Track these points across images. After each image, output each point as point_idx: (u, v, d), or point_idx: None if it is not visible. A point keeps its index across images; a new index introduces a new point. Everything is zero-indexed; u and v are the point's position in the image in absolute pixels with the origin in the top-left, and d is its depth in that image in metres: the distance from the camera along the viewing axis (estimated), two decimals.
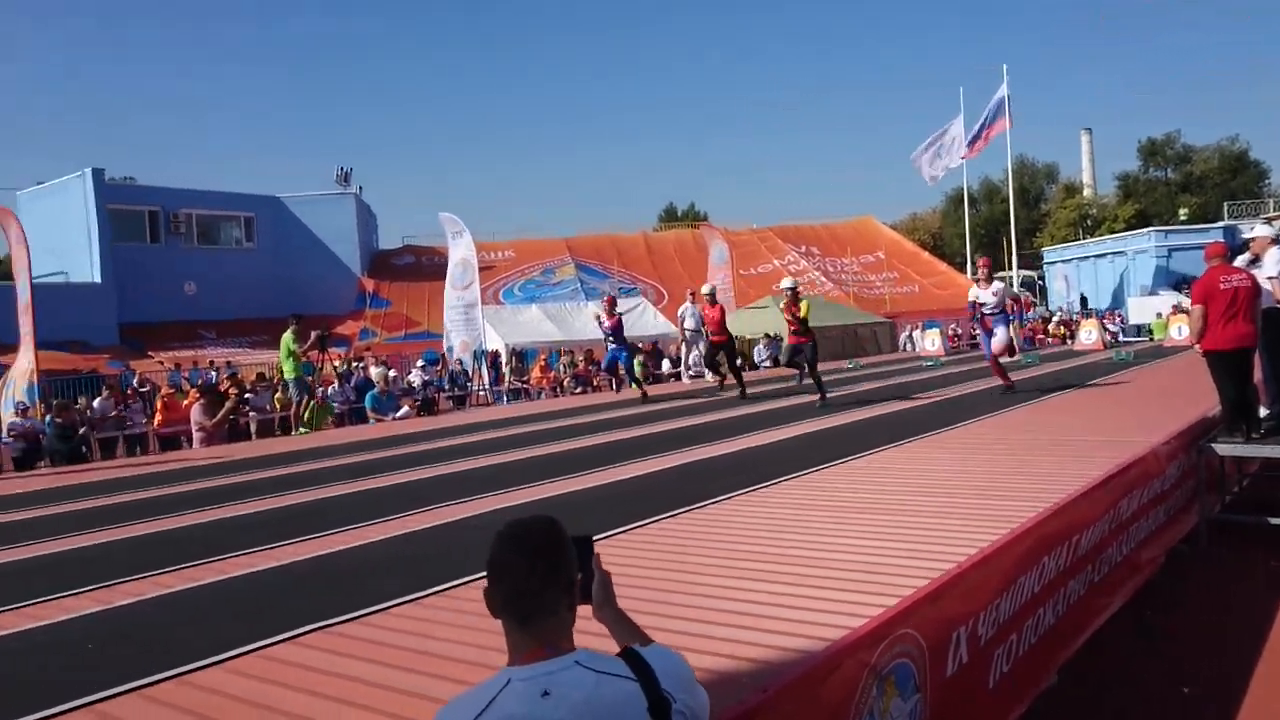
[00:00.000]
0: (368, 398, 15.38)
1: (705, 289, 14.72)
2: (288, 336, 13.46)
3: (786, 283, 12.47)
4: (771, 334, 24.00)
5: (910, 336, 28.26)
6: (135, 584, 4.63)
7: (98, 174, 32.03)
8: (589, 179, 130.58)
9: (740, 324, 24.68)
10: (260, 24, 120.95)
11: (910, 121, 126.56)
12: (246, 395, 15.74)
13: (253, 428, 15.64)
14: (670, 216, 66.13)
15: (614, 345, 15.09)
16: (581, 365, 21.58)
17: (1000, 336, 11.17)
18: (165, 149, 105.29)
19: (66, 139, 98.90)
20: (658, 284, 39.64)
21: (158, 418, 14.78)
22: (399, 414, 15.14)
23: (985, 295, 11.21)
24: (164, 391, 16.10)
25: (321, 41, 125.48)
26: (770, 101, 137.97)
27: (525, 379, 21.20)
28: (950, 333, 28.51)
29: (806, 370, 12.28)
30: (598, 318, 15.28)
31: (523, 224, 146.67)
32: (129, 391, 16.98)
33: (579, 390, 19.98)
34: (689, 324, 17.63)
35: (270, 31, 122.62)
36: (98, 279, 31.09)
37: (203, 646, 3.46)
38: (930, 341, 24.35)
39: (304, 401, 13.84)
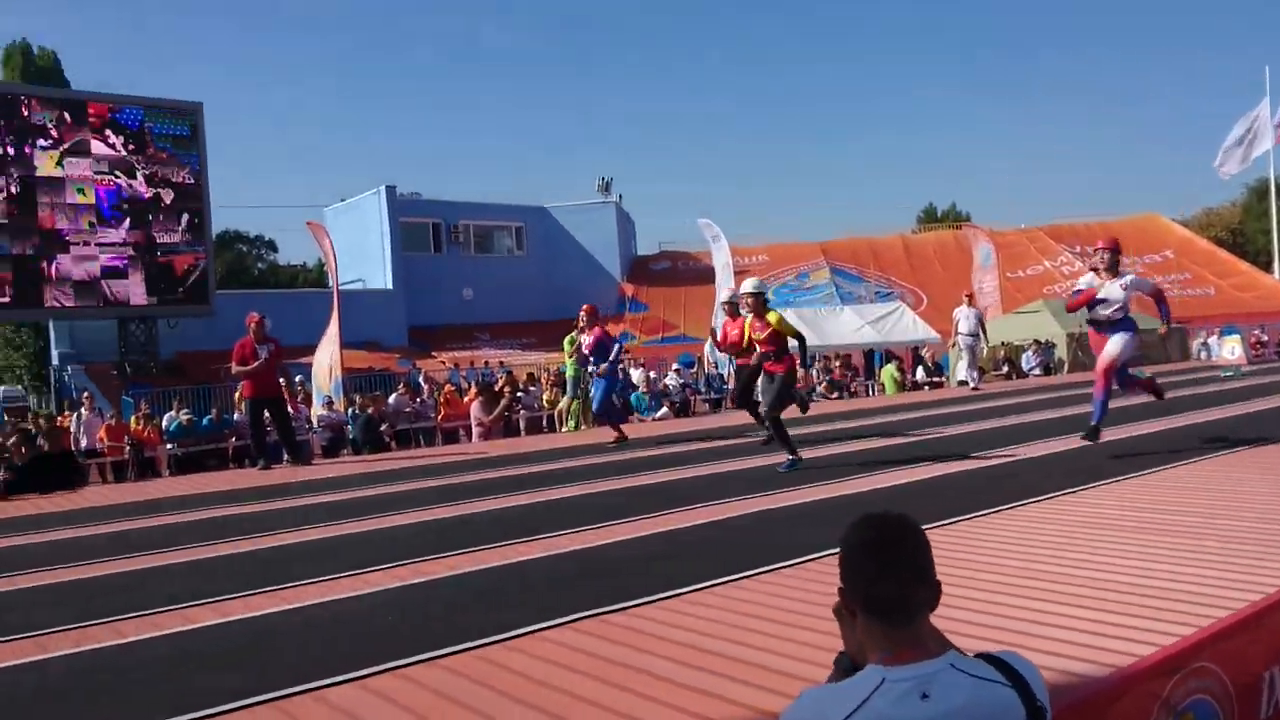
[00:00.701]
0: (631, 398, 16.01)
1: (724, 296, 10.89)
2: (570, 337, 14.66)
3: (749, 285, 8.57)
4: (1042, 340, 22.58)
5: (1205, 343, 25.62)
6: (425, 564, 5.10)
7: (390, 190, 35.20)
8: (844, 181, 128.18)
9: (1007, 329, 23.41)
10: (522, 40, 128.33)
11: (1205, 110, 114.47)
12: (519, 394, 16.79)
13: (522, 424, 16.67)
14: (930, 217, 63.65)
15: (594, 373, 11.57)
16: (837, 370, 21.29)
17: (1115, 345, 7.72)
18: (446, 163, 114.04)
19: (363, 157, 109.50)
20: (916, 288, 38.29)
21: (441, 413, 16.11)
22: (658, 415, 15.63)
23: (1111, 289, 7.77)
24: (446, 389, 17.51)
25: (581, 53, 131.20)
26: (1036, 93, 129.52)
27: None
28: (1253, 339, 25.60)
29: (762, 411, 8.64)
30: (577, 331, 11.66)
31: (777, 228, 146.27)
32: (425, 388, 18.58)
33: (835, 395, 19.72)
34: (964, 327, 16.95)
35: (534, 45, 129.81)
36: (389, 285, 34.17)
37: (483, 625, 3.76)
38: (1229, 349, 21.93)
39: (574, 400, 14.72)
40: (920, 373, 21.09)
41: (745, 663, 3.16)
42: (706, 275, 34.04)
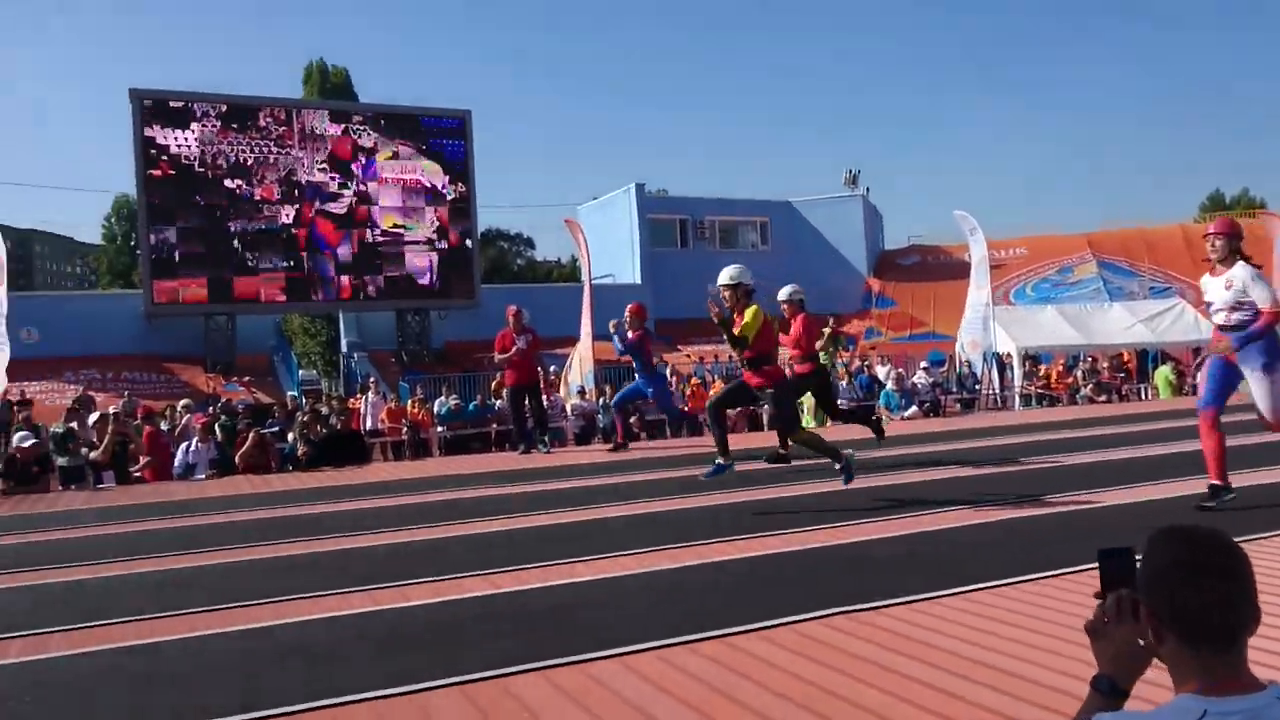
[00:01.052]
0: (882, 395, 15.73)
1: (783, 294, 9.26)
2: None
3: (726, 274, 7.01)
4: None
5: None
6: (675, 551, 5.27)
7: (639, 188, 36.24)
8: (1115, 168, 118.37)
9: None
10: (773, 35, 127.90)
11: None
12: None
13: (765, 419, 16.71)
14: (1216, 205, 57.73)
15: (640, 372, 11.02)
16: (1105, 372, 19.83)
17: (1265, 388, 5.72)
18: (693, 160, 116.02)
19: (614, 156, 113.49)
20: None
21: (688, 405, 16.46)
22: (907, 414, 15.23)
23: (1215, 288, 5.93)
24: (692, 382, 17.87)
25: (826, 46, 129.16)
26: None
27: (1040, 384, 20.03)
28: None
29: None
30: (615, 326, 11.18)
31: (1037, 219, 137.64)
32: (672, 380, 19.06)
33: (1102, 399, 18.37)
34: None
35: (785, 44, 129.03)
36: (638, 280, 35.19)
37: (734, 615, 3.86)
38: None
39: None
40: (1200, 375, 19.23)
41: (991, 668, 3.12)
42: (958, 270, 32.57)
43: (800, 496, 7.24)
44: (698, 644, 3.52)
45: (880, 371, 18.81)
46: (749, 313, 6.72)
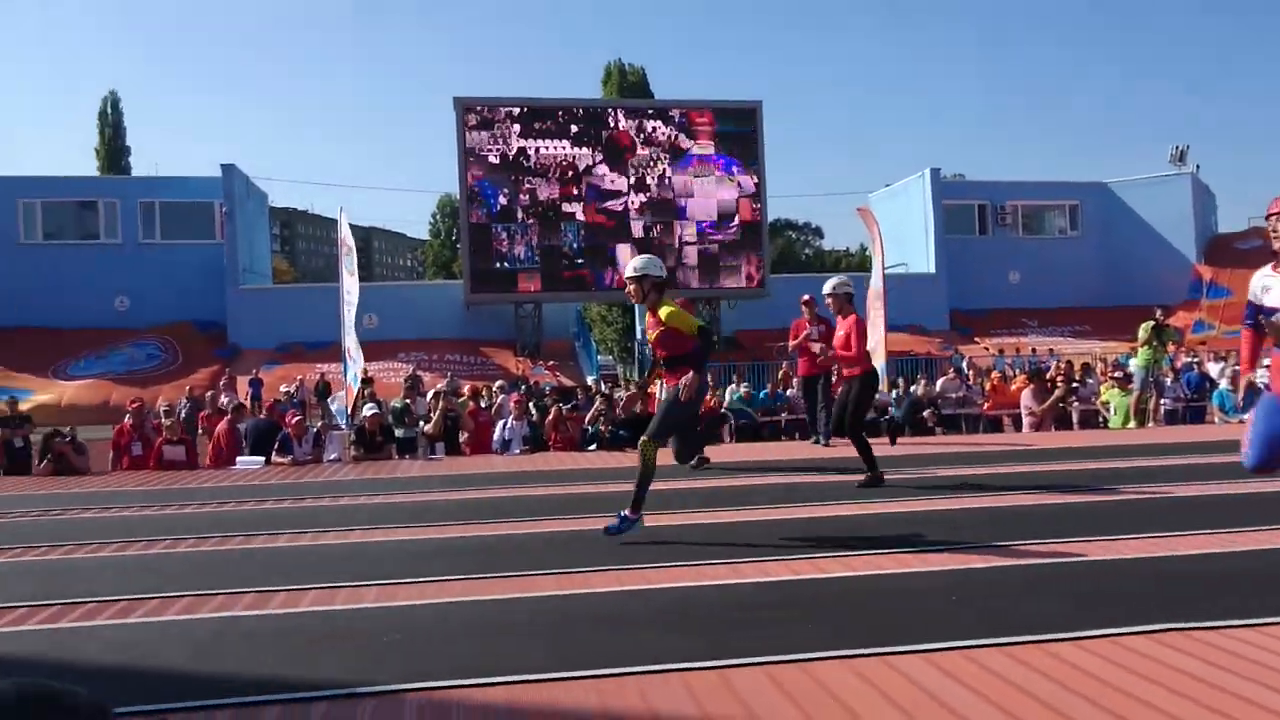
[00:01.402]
0: (1215, 395, 14.34)
1: (828, 287, 8.47)
2: (1146, 325, 14.01)
3: (632, 266, 6.00)
4: None
5: None
6: (982, 551, 5.10)
7: (934, 173, 34.86)
8: None
9: None
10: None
11: None
12: (1075, 384, 15.81)
13: (1075, 417, 15.62)
14: None
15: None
16: None
17: None
18: (995, 143, 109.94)
19: (908, 142, 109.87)
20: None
21: (989, 400, 15.74)
22: (1246, 415, 13.71)
23: None
24: (992, 376, 17.03)
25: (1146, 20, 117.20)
26: None
27: None
28: None
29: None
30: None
31: None
32: (970, 374, 18.36)
33: None
34: None
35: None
36: (932, 269, 33.89)
37: (1050, 621, 3.72)
38: None
39: (1143, 394, 13.71)
40: None
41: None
42: None
43: (1109, 501, 6.75)
44: (1008, 646, 3.43)
45: (1212, 369, 16.99)
46: (665, 310, 5.81)
